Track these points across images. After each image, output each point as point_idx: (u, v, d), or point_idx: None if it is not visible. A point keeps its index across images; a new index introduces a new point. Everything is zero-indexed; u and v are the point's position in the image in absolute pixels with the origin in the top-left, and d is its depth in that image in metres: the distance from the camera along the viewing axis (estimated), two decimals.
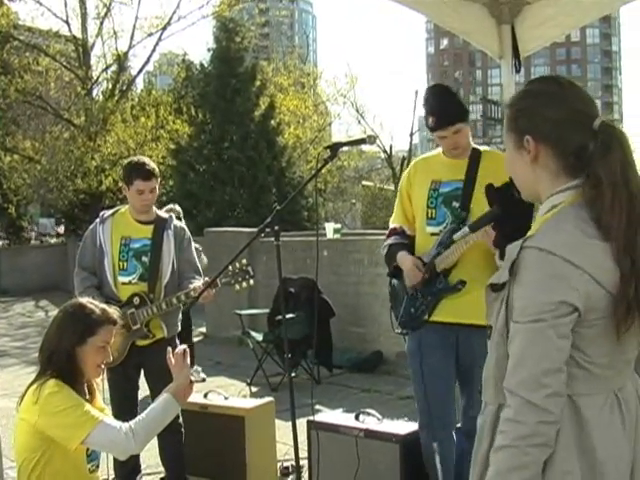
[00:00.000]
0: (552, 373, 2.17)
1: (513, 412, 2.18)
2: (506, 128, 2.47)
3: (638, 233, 2.24)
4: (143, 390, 5.74)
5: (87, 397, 3.91)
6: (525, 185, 2.48)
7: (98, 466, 3.98)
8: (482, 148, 4.79)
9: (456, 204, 4.61)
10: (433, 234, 4.65)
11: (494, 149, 5.08)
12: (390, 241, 4.85)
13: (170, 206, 10.38)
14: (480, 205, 4.50)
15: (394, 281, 4.86)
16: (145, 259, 5.54)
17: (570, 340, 2.20)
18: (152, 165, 5.58)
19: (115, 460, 5.34)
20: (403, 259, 4.69)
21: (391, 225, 4.95)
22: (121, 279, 5.55)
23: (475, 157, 4.67)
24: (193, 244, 5.91)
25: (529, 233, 2.30)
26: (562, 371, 2.19)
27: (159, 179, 5.63)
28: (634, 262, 2.22)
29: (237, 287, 5.48)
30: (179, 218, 10.00)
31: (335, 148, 4.17)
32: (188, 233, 5.83)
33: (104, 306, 3.98)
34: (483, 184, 4.54)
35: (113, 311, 3.98)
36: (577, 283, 2.17)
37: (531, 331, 2.18)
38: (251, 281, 5.48)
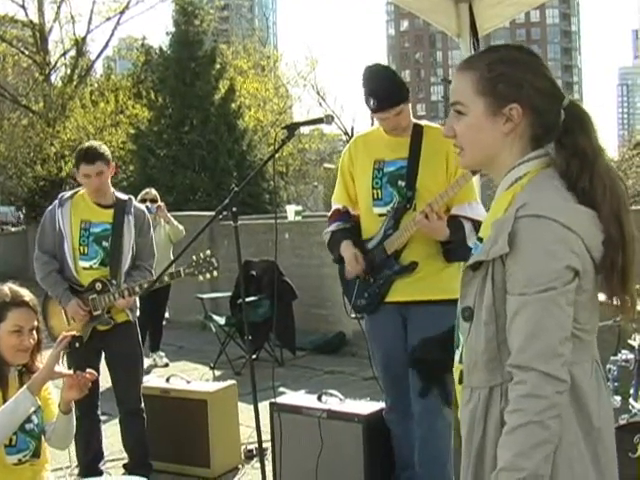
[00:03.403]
0: (565, 341, 2.14)
1: (530, 387, 2.10)
2: (475, 92, 2.32)
3: (621, 203, 2.23)
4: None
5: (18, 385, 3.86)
6: (483, 153, 2.37)
7: (37, 456, 3.88)
8: (423, 123, 4.72)
9: (402, 183, 4.57)
10: (381, 215, 4.63)
11: (435, 124, 4.95)
12: (333, 227, 4.82)
13: (146, 190, 10.33)
14: (425, 183, 4.51)
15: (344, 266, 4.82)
16: (106, 244, 5.47)
17: (573, 307, 2.17)
18: (100, 149, 5.47)
19: (77, 448, 5.31)
20: (344, 249, 4.67)
21: (334, 205, 4.90)
22: (82, 264, 5.49)
23: (417, 134, 4.62)
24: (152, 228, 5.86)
25: (502, 207, 2.26)
26: (570, 338, 2.16)
27: (110, 163, 5.51)
28: (623, 231, 2.21)
29: (201, 278, 5.52)
30: (154, 201, 9.98)
31: (292, 128, 4.17)
32: (148, 216, 5.78)
33: (17, 289, 3.97)
34: (427, 161, 4.54)
35: (24, 293, 3.97)
36: (575, 247, 2.14)
37: (543, 301, 2.12)
38: (215, 272, 5.50)
